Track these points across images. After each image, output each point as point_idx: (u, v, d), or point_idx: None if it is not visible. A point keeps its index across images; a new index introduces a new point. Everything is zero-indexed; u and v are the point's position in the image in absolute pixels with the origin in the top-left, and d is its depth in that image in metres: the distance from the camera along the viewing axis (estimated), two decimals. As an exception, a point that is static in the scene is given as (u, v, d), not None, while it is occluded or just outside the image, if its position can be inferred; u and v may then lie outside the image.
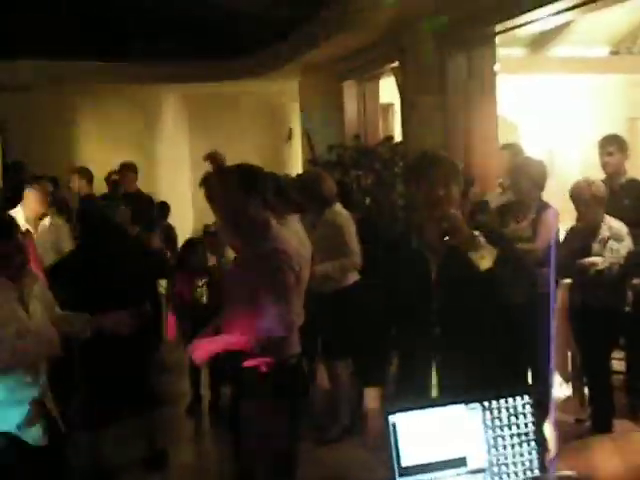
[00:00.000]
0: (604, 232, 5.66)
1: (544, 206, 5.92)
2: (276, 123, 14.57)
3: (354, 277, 6.27)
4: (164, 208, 9.71)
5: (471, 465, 2.39)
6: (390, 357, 3.77)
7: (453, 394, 2.59)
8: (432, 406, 2.42)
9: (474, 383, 2.91)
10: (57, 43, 10.99)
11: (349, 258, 6.13)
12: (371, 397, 3.63)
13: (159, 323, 7.46)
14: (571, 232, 5.94)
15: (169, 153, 13.89)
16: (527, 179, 5.94)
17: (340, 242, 6.09)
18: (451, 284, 3.41)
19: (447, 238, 3.27)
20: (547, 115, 11.55)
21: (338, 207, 6.23)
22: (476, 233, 3.26)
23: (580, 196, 5.67)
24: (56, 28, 10.62)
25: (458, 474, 2.37)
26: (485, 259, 3.23)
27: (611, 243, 5.60)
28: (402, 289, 3.54)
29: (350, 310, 5.87)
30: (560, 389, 6.65)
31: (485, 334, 3.43)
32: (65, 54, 11.46)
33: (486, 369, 3.32)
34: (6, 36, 10.41)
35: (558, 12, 7.26)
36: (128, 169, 9.17)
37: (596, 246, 5.65)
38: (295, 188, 6.17)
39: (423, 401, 2.63)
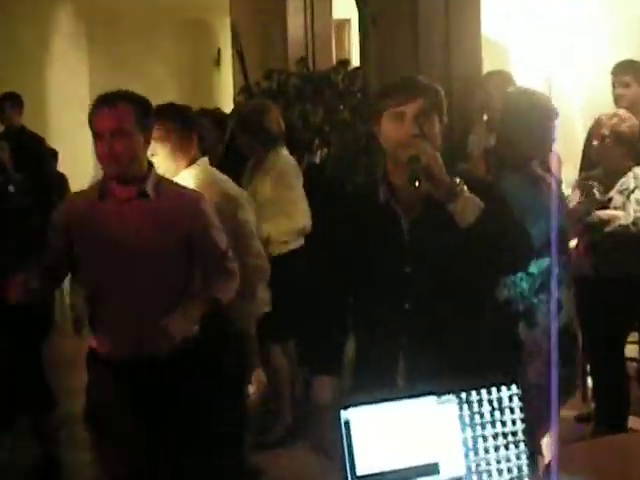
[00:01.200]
0: (629, 181, 5.66)
1: None
2: (201, 44, 14.47)
3: (298, 241, 6.29)
4: (52, 152, 9.62)
5: (445, 473, 2.39)
6: (345, 339, 3.74)
7: (425, 384, 2.58)
8: (395, 399, 2.40)
9: (453, 371, 2.93)
10: None
11: (294, 219, 6.13)
12: (321, 389, 3.61)
13: (50, 302, 7.37)
14: (583, 180, 5.96)
15: (62, 83, 13.70)
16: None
17: (283, 197, 6.07)
18: (426, 245, 3.37)
19: (418, 183, 3.19)
20: (544, 35, 11.54)
21: (284, 151, 6.21)
22: (457, 180, 3.21)
23: (598, 131, 5.70)
24: None
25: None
26: (468, 213, 3.18)
27: (637, 194, 5.59)
28: (365, 253, 3.50)
29: (293, 282, 5.87)
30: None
31: (468, 309, 3.42)
32: None
33: (469, 352, 3.33)
34: None
35: None
36: (8, 101, 9.05)
37: (617, 197, 5.64)
38: (234, 122, 6.18)
39: (386, 393, 2.57)
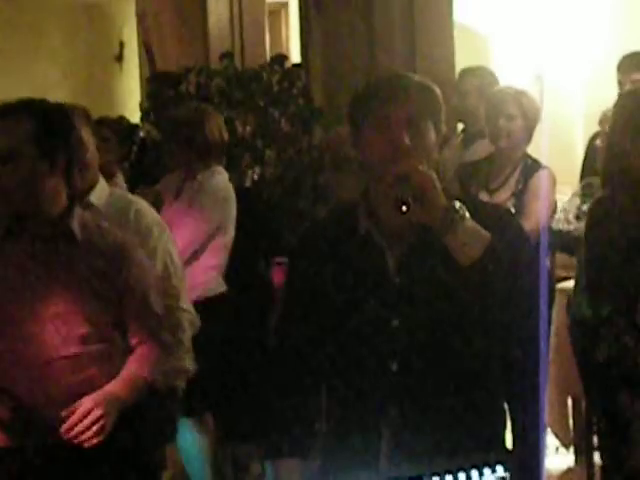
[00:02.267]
0: None
1: (534, 165, 6.05)
2: (99, 36, 14.46)
3: (220, 286, 6.30)
4: None
5: None
6: (317, 411, 3.67)
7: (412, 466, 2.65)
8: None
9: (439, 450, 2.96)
10: None
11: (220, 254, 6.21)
12: (288, 475, 3.56)
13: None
14: (585, 189, 6.02)
15: None
16: (511, 119, 6.06)
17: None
18: (418, 289, 3.30)
19: (406, 209, 3.08)
20: (534, 24, 11.66)
21: (220, 171, 6.30)
22: (457, 205, 3.11)
23: (605, 129, 5.76)
24: None
25: None
26: (470, 247, 3.09)
27: None
28: (337, 302, 3.41)
29: (217, 334, 5.94)
30: (557, 457, 6.68)
31: (456, 371, 3.34)
32: None
33: (454, 426, 3.28)
34: None
35: None
36: None
37: None
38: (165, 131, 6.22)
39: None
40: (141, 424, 4.45)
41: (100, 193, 4.82)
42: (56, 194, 3.97)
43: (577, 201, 5.89)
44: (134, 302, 4.14)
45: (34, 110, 3.95)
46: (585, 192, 5.93)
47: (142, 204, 4.98)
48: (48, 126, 3.93)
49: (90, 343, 4.02)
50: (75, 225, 3.99)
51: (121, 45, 14.34)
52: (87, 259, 4.00)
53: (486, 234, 3.11)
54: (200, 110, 6.71)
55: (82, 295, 3.99)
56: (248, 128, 8.46)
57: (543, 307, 4.00)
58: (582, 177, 6.47)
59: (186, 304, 5.06)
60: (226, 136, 6.50)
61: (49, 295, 3.99)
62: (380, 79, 3.60)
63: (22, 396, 3.99)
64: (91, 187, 4.78)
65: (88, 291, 4.00)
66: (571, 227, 5.76)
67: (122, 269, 4.06)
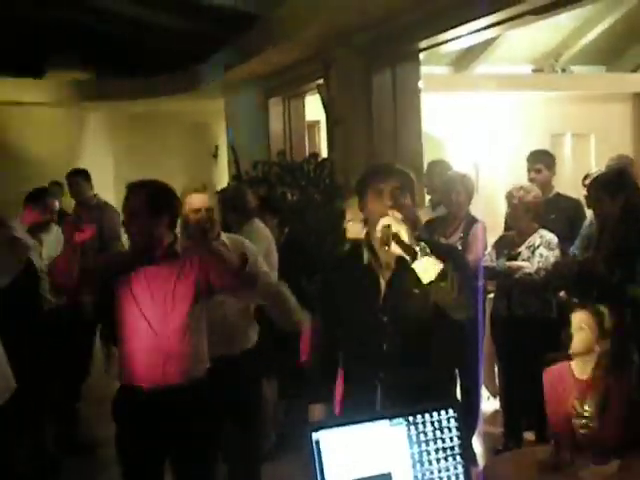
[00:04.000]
0: (535, 239, 5.72)
1: (473, 220, 5.99)
2: (202, 141, 14.51)
3: None
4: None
5: (397, 481, 2.37)
6: (336, 372, 3.66)
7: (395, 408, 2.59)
8: (356, 422, 2.39)
9: (414, 399, 2.87)
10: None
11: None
12: (317, 414, 3.53)
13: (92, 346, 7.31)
14: (500, 240, 6.03)
15: (92, 174, 13.69)
16: (458, 192, 6.02)
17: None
18: (399, 298, 3.33)
19: (387, 246, 3.13)
20: (472, 131, 11.69)
21: (257, 222, 6.16)
22: (422, 244, 3.11)
23: (510, 201, 5.79)
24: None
25: (385, 489, 2.35)
26: (429, 271, 3.06)
27: (541, 250, 5.65)
28: (351, 304, 3.46)
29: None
30: (488, 403, 6.66)
31: (425, 349, 3.36)
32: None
33: (424, 384, 3.27)
34: None
35: (480, 29, 7.34)
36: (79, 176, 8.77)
37: (525, 251, 5.71)
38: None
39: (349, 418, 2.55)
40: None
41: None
42: (164, 235, 3.89)
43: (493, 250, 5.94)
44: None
45: (150, 186, 3.94)
46: (499, 242, 5.99)
47: (247, 240, 4.89)
48: (157, 196, 3.89)
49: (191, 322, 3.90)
50: (178, 249, 3.94)
51: (216, 147, 14.38)
52: (185, 268, 3.89)
53: (439, 262, 3.07)
54: (239, 188, 6.66)
55: (185, 291, 3.87)
56: (294, 198, 8.46)
57: (480, 309, 4.09)
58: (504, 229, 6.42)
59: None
60: (254, 203, 6.16)
61: (167, 297, 3.85)
62: (375, 167, 3.64)
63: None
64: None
65: (187, 289, 3.88)
66: (493, 264, 5.77)
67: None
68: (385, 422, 2.39)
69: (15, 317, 5.21)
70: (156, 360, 3.82)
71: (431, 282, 3.05)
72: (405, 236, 3.09)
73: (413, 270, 3.08)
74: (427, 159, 8.16)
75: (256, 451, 5.00)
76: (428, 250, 3.09)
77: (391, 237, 3.11)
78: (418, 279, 3.08)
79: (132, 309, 3.87)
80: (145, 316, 3.84)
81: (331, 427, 2.37)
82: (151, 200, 3.86)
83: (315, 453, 2.32)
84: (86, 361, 7.12)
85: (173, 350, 3.83)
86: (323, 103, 9.12)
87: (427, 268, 3.05)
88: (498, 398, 6.66)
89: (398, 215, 3.18)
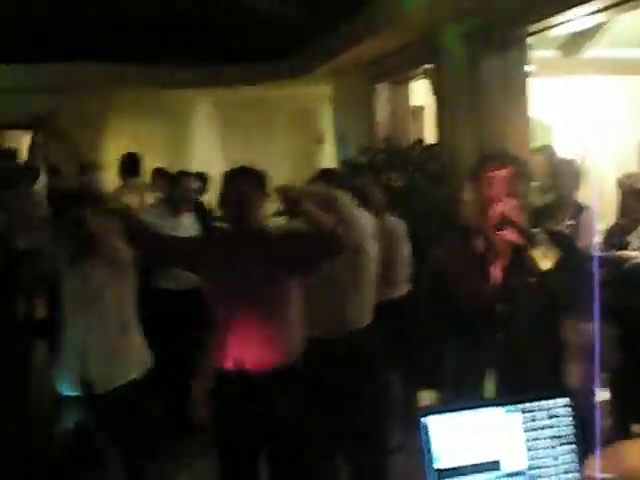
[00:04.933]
0: None
1: (581, 207, 5.86)
2: (308, 126, 14.57)
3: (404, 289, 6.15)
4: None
5: (506, 468, 2.35)
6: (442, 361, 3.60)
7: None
8: (468, 408, 2.37)
9: (524, 385, 2.80)
10: (90, 45, 11.09)
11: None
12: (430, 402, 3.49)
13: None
14: (612, 228, 5.89)
15: (202, 159, 13.92)
16: (568, 178, 5.94)
17: None
18: (514, 287, 3.25)
19: (502, 231, 3.10)
20: (581, 117, 11.42)
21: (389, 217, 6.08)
22: (536, 230, 3.07)
23: (620, 189, 5.66)
24: (89, 31, 10.68)
25: (497, 477, 2.32)
26: (547, 259, 2.99)
27: None
28: (462, 294, 3.39)
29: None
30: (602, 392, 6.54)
31: (538, 335, 3.29)
32: (98, 56, 11.57)
33: (536, 371, 3.22)
34: (37, 39, 10.52)
35: (591, 13, 7.17)
36: (160, 174, 9.01)
37: (636, 241, 5.55)
38: None
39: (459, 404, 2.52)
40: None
41: None
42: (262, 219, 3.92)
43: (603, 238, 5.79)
44: None
45: (256, 172, 3.94)
46: (609, 231, 5.85)
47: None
48: (263, 182, 3.90)
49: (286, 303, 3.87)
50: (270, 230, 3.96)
51: (322, 133, 14.42)
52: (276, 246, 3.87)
53: (557, 249, 3.01)
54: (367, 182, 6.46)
55: (275, 265, 3.84)
56: (400, 183, 8.44)
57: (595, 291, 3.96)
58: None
59: None
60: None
61: (263, 278, 3.83)
62: (490, 153, 3.57)
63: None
64: None
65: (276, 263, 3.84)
66: (603, 253, 5.62)
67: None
68: (498, 409, 2.36)
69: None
70: (253, 343, 3.82)
71: (549, 270, 2.99)
72: (521, 222, 3.06)
73: (528, 258, 3.02)
74: (534, 145, 8.03)
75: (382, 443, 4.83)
76: (544, 237, 3.03)
77: (506, 224, 3.08)
78: (533, 267, 3.02)
79: (230, 292, 3.88)
80: (241, 298, 3.84)
81: (441, 412, 2.35)
82: (260, 185, 3.90)
83: (425, 438, 2.32)
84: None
85: (268, 332, 3.83)
86: (431, 88, 9.07)
87: (545, 255, 3.00)
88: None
89: (513, 202, 3.15)
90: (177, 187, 6.37)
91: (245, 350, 3.81)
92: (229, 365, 3.85)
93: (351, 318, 4.51)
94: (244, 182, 3.89)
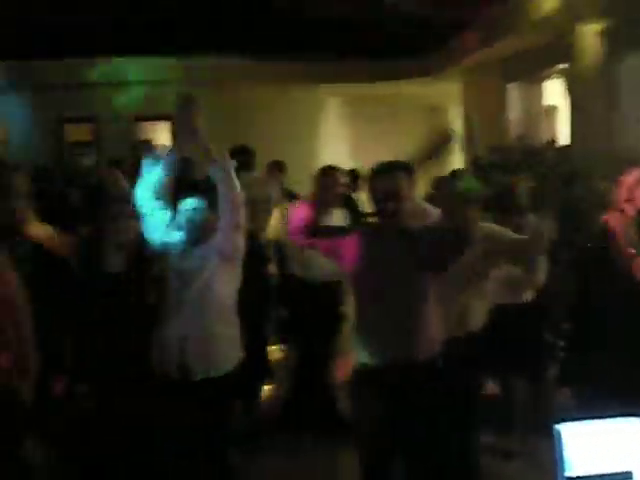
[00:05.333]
0: None
1: None
2: (438, 125, 14.45)
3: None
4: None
5: (638, 480, 2.30)
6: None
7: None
8: (602, 417, 2.33)
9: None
10: (220, 41, 11.30)
11: None
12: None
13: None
14: None
15: (330, 154, 14.01)
16: None
17: None
18: None
19: None
20: None
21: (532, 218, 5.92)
22: None
23: None
24: (217, 27, 10.88)
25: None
26: None
27: None
28: (605, 296, 3.36)
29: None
30: None
31: None
32: (227, 52, 11.80)
33: None
34: (179, 34, 10.80)
35: None
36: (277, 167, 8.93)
37: None
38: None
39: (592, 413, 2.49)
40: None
41: None
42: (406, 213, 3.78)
43: None
44: None
45: (403, 166, 3.84)
46: None
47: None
48: (409, 176, 3.80)
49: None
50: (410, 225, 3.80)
51: (451, 131, 14.25)
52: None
53: None
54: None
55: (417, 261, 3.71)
56: (532, 184, 8.29)
57: None
58: None
59: None
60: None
61: (404, 274, 3.74)
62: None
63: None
64: None
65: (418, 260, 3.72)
66: None
67: None
68: (634, 419, 2.31)
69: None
70: (392, 338, 3.76)
71: None
72: None
73: None
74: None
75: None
76: None
77: None
78: None
79: (371, 285, 3.82)
80: (382, 292, 3.78)
81: (575, 420, 2.33)
82: (406, 180, 3.82)
83: (557, 445, 2.29)
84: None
85: (407, 328, 3.76)
86: (566, 88, 8.90)
87: None
88: None
89: None
90: (324, 183, 6.35)
91: (382, 345, 3.78)
92: (363, 359, 3.82)
93: (473, 320, 4.48)
94: (394, 176, 3.82)
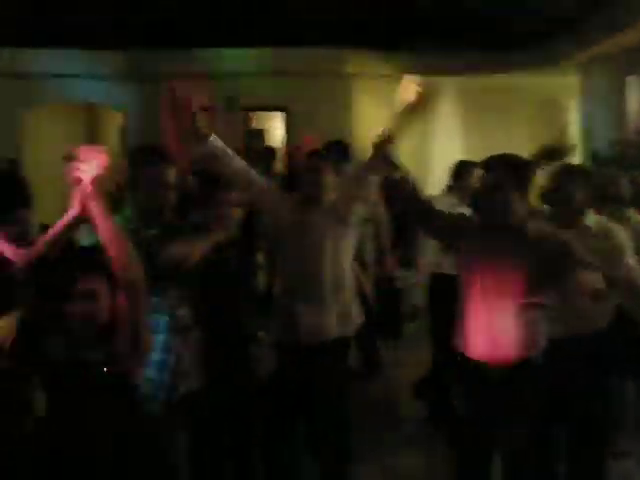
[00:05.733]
0: None
1: None
2: (551, 117, 14.15)
3: None
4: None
5: None
6: None
7: None
8: None
9: None
10: (338, 31, 11.32)
11: None
12: None
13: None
14: None
15: (443, 144, 13.89)
16: None
17: None
18: None
19: None
20: None
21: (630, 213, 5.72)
22: None
23: None
24: (336, 17, 10.88)
25: None
26: None
27: None
28: None
29: None
30: None
31: None
32: (343, 42, 11.82)
33: None
34: (292, 25, 10.87)
35: None
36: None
37: None
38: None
39: None
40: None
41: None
42: (518, 209, 3.77)
43: None
44: None
45: (507, 160, 3.86)
46: None
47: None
48: (517, 170, 3.80)
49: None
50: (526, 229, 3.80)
51: (565, 125, 13.96)
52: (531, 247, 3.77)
53: None
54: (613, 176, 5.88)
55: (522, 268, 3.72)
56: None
57: None
58: None
59: None
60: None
61: (507, 272, 3.73)
62: None
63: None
64: None
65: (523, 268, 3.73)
66: None
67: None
68: None
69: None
70: (492, 336, 3.78)
71: None
72: None
73: None
74: None
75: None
76: None
77: None
78: None
79: (476, 281, 3.84)
80: (486, 289, 3.79)
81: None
82: (513, 174, 3.79)
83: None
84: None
85: (506, 327, 3.76)
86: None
87: None
88: None
89: None
90: (461, 177, 6.31)
91: (486, 340, 3.78)
92: (470, 353, 3.85)
93: (596, 318, 4.38)
94: (502, 171, 3.81)
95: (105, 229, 3.01)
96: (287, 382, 4.48)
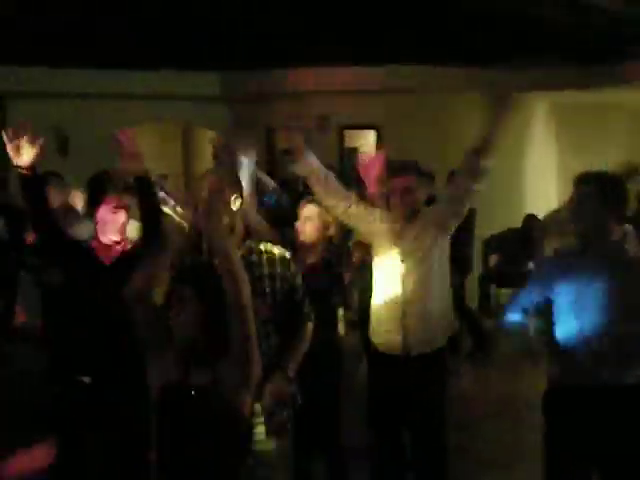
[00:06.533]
0: None
1: None
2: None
3: None
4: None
5: None
6: None
7: None
8: None
9: None
10: (431, 48, 11.27)
11: None
12: None
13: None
14: None
15: (536, 162, 13.68)
16: None
17: None
18: None
19: None
20: None
21: None
22: None
23: None
24: (430, 34, 10.85)
25: None
26: None
27: None
28: None
29: None
30: None
31: None
32: (440, 60, 11.76)
33: None
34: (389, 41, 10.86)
35: None
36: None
37: None
38: None
39: None
40: None
41: None
42: (611, 229, 3.74)
43: None
44: None
45: (601, 176, 3.82)
46: None
47: None
48: (606, 187, 3.76)
49: None
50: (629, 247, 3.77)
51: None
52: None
53: None
54: None
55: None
56: None
57: None
58: None
59: None
60: None
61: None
62: None
63: None
64: None
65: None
66: None
67: None
68: None
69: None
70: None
71: None
72: None
73: None
74: None
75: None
76: None
77: None
78: None
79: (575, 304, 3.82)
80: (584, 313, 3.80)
81: None
82: (601, 190, 3.74)
83: None
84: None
85: None
86: None
87: None
88: None
89: None
90: None
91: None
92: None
93: None
94: (590, 190, 3.79)
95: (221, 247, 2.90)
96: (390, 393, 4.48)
